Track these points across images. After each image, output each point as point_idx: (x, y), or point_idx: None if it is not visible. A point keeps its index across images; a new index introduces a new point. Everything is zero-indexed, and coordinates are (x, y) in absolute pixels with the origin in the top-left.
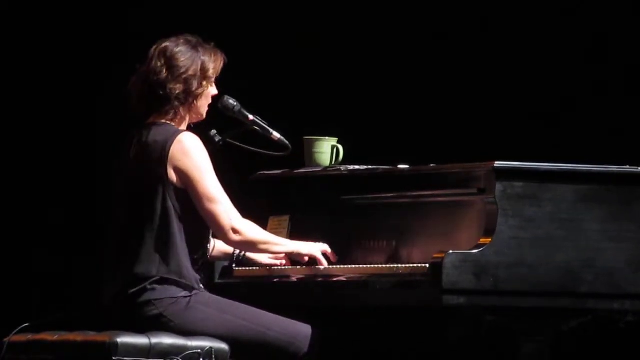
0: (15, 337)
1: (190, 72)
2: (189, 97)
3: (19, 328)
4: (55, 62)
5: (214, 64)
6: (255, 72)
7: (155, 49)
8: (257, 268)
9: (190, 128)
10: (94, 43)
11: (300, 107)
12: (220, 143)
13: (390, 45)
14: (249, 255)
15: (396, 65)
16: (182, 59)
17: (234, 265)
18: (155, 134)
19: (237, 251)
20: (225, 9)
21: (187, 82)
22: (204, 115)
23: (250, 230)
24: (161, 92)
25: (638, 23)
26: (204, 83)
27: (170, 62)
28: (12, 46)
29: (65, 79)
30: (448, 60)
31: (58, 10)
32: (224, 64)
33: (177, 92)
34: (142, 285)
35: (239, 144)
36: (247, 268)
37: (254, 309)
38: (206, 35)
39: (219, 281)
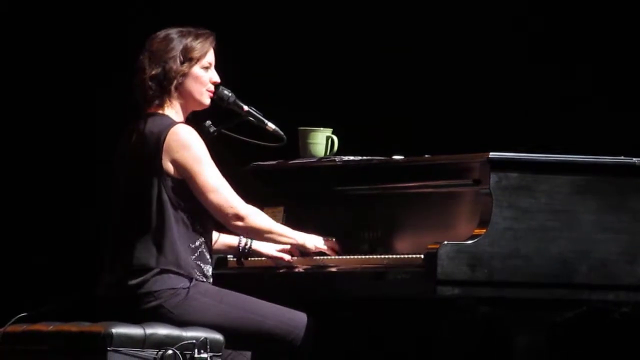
0: (10, 328)
1: (170, 54)
2: (168, 77)
3: (15, 319)
4: (55, 61)
5: (200, 45)
6: (250, 63)
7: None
8: (254, 259)
9: (188, 119)
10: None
11: (295, 98)
12: (215, 134)
13: (384, 36)
14: (255, 247)
15: (391, 56)
16: (162, 43)
17: (241, 259)
18: (151, 125)
19: (243, 243)
20: (220, 0)
21: (165, 64)
22: (204, 102)
23: (255, 217)
24: (143, 77)
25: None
26: (186, 63)
27: (150, 49)
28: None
29: (67, 76)
30: (442, 51)
31: (58, 9)
32: (215, 48)
33: (155, 73)
34: (144, 277)
35: (233, 134)
36: (248, 259)
37: (252, 298)
38: (200, 25)
39: (214, 271)
